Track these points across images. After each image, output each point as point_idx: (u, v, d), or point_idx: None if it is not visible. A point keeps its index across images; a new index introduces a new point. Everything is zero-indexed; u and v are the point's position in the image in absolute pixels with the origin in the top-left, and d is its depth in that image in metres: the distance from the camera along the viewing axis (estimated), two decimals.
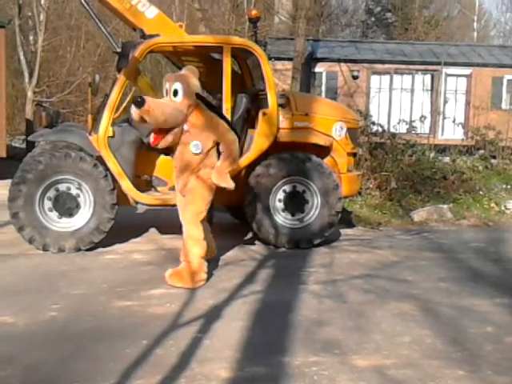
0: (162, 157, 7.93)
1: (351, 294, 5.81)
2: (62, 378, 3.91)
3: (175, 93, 5.89)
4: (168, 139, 5.93)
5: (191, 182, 6.02)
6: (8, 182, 7.60)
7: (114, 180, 7.26)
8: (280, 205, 7.67)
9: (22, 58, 19.32)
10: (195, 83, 6.01)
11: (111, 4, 7.76)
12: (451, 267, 7.01)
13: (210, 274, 6.20)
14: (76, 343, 4.44)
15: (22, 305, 5.23)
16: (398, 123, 14.45)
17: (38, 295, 5.53)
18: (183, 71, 6.24)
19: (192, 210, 6.04)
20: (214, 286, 5.90)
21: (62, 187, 7.15)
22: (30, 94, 19.11)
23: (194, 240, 5.96)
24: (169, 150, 7.21)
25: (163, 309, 5.22)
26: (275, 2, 22.82)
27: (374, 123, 13.22)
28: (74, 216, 7.19)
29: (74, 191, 7.18)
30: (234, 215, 9.13)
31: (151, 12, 7.78)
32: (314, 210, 7.67)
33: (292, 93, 11.67)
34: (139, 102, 5.67)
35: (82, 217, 7.17)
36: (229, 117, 7.53)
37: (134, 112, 5.74)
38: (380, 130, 12.98)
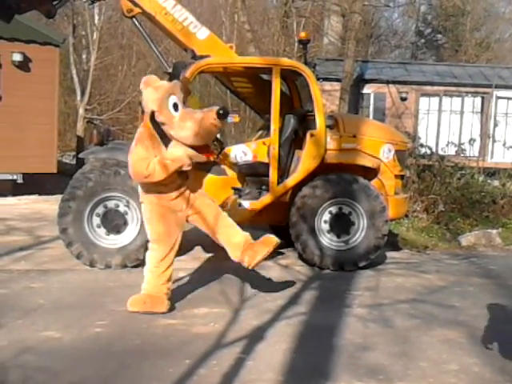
0: (209, 176, 7.98)
1: (397, 319, 5.73)
2: None
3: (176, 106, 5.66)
4: None
5: None
6: (58, 197, 7.75)
7: None
8: (325, 226, 7.63)
9: (74, 76, 19.78)
10: None
11: (163, 25, 7.88)
12: (499, 294, 6.85)
13: (254, 295, 6.20)
14: (120, 361, 4.47)
15: (68, 320, 5.30)
16: (447, 145, 14.27)
17: (84, 311, 5.59)
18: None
19: None
20: (257, 306, 5.89)
21: (111, 204, 7.26)
22: (81, 111, 19.52)
23: None
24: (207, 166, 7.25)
25: (207, 328, 5.23)
26: (325, 23, 22.86)
27: (422, 145, 13.09)
28: (121, 233, 7.28)
29: (122, 208, 7.28)
30: (278, 235, 9.09)
31: (202, 33, 7.87)
32: (360, 233, 7.61)
33: (340, 114, 11.67)
34: (224, 114, 5.55)
35: (129, 234, 7.26)
36: (277, 137, 7.56)
37: (218, 123, 5.58)
38: (428, 152, 12.83)
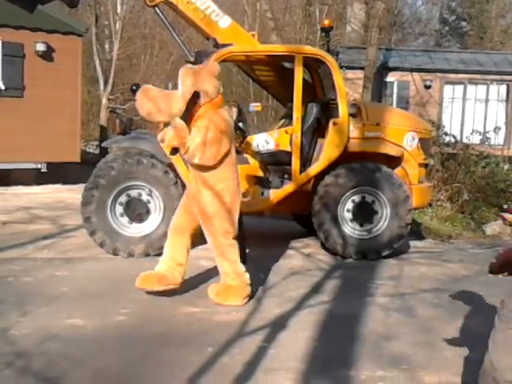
0: None
1: (420, 308, 5.69)
2: (129, 383, 3.96)
3: None
4: None
5: None
6: (81, 186, 7.79)
7: (184, 187, 7.33)
8: (348, 215, 7.59)
9: (97, 65, 19.87)
10: None
11: (186, 14, 7.88)
12: None
13: (276, 284, 6.20)
14: (143, 348, 4.49)
15: (91, 308, 5.33)
16: (471, 134, 14.13)
17: (108, 299, 5.62)
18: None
19: None
20: (280, 295, 5.88)
21: (134, 193, 7.29)
22: (104, 100, 19.61)
23: None
24: None
25: (229, 317, 5.23)
26: (347, 11, 22.68)
27: (446, 134, 12.97)
28: (144, 221, 7.31)
29: (144, 197, 7.30)
30: (301, 224, 9.11)
31: (224, 22, 7.85)
32: (383, 221, 7.57)
33: (363, 102, 11.59)
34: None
35: (152, 222, 7.29)
36: (299, 126, 7.53)
37: None
38: (452, 140, 12.72)
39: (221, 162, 5.41)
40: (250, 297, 5.67)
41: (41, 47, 13.40)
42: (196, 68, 5.63)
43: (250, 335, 4.80)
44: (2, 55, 13.09)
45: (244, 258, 5.80)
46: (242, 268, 5.63)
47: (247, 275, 5.61)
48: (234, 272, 5.58)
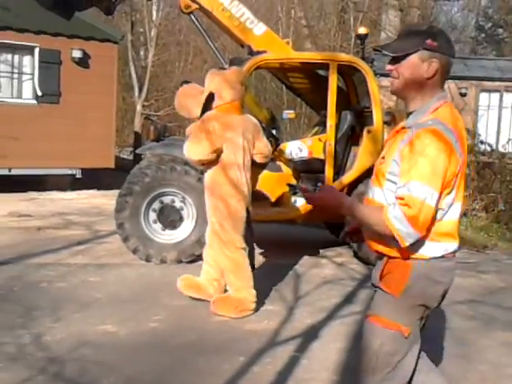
0: (265, 172, 7.97)
1: (454, 320, 5.60)
2: None
3: None
4: None
5: None
6: (115, 192, 7.85)
7: None
8: None
9: (132, 72, 20.04)
10: None
11: (220, 20, 7.90)
12: None
13: (308, 293, 6.16)
14: (175, 356, 4.49)
15: (124, 314, 5.35)
16: (508, 142, 13.91)
17: (140, 305, 5.64)
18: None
19: None
20: (312, 304, 5.84)
21: (167, 200, 7.31)
22: (139, 107, 19.76)
23: None
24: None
25: (261, 326, 5.21)
26: (382, 17, 22.56)
27: (482, 142, 12.79)
28: (177, 228, 7.33)
29: (177, 204, 7.32)
30: (333, 233, 9.04)
31: (259, 29, 7.85)
32: None
33: (398, 110, 11.50)
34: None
35: (185, 229, 7.30)
36: (333, 134, 7.50)
37: None
38: (488, 149, 12.53)
39: (211, 166, 5.44)
40: (255, 310, 5.51)
41: (77, 54, 13.57)
42: (218, 72, 5.73)
43: (281, 344, 4.78)
44: (39, 62, 13.27)
45: (253, 265, 5.67)
46: (247, 283, 5.47)
47: (252, 291, 5.47)
48: (237, 284, 5.47)
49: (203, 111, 5.47)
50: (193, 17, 7.98)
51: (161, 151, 7.66)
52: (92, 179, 13.62)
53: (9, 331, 4.76)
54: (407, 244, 2.46)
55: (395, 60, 2.60)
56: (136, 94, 20.06)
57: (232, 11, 7.85)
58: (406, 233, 2.44)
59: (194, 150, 5.40)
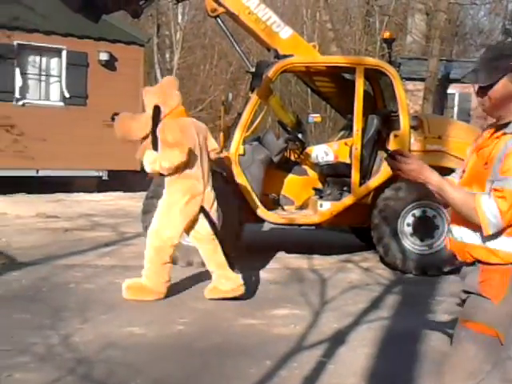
0: (290, 176, 7.99)
1: None
2: None
3: None
4: None
5: None
6: (141, 194, 7.90)
7: (243, 197, 7.35)
8: (408, 229, 7.47)
9: (158, 75, 20.16)
10: None
11: (247, 24, 7.91)
12: None
13: (335, 298, 6.14)
14: (202, 359, 4.49)
15: (150, 316, 5.37)
16: None
17: (166, 308, 5.66)
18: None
19: None
20: (339, 309, 5.81)
21: None
22: None
23: None
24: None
25: (287, 330, 5.20)
26: (408, 21, 22.47)
27: None
28: None
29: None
30: (359, 237, 9.01)
31: (285, 32, 7.85)
32: (445, 237, 7.42)
33: (425, 115, 11.45)
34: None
35: None
36: (360, 138, 7.47)
37: None
38: None
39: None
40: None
41: (104, 56, 13.70)
42: (152, 87, 6.20)
43: (308, 349, 4.76)
44: (66, 64, 13.41)
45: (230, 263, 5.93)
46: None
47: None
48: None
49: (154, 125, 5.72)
50: (219, 20, 7.99)
51: None
52: (118, 181, 13.71)
53: (38, 331, 4.80)
54: (490, 233, 2.51)
55: (488, 86, 2.64)
56: None
57: (258, 15, 7.86)
58: (493, 224, 2.49)
59: (171, 157, 5.58)
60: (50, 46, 13.36)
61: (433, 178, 2.62)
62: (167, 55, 23.50)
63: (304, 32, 22.88)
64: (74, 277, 6.50)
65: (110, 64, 13.88)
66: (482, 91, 2.68)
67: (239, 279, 5.85)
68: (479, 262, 2.63)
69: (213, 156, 6.08)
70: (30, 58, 13.55)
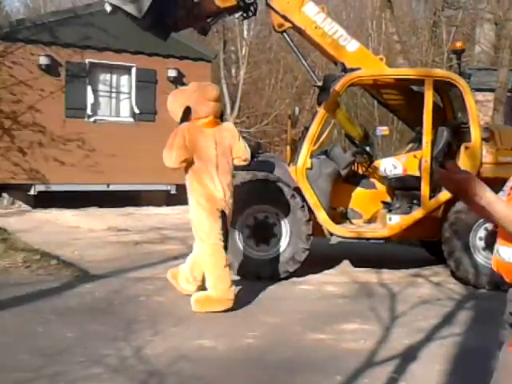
0: (358, 189, 7.93)
1: None
2: None
3: None
4: None
5: None
6: None
7: (310, 211, 7.34)
8: (481, 243, 7.30)
9: (224, 90, 20.38)
10: None
11: (313, 38, 7.91)
12: None
13: (405, 313, 6.05)
14: (272, 373, 4.49)
15: (220, 329, 5.41)
16: None
17: (236, 321, 5.69)
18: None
19: None
20: (409, 324, 5.72)
21: (261, 216, 7.36)
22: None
23: None
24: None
25: (357, 345, 5.14)
26: (476, 31, 22.06)
27: None
28: (270, 244, 7.35)
29: (271, 220, 7.36)
30: (429, 251, 8.86)
31: (352, 45, 7.82)
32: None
33: (496, 126, 11.21)
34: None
35: (279, 246, 7.32)
36: (429, 150, 7.36)
37: None
38: None
39: (186, 171, 6.12)
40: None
41: (172, 73, 13.95)
42: (197, 87, 6.33)
43: (379, 365, 4.70)
44: (136, 81, 13.71)
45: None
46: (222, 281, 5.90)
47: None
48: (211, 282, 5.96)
49: (182, 121, 6.14)
50: (285, 35, 8.03)
51: (254, 168, 7.73)
52: (186, 195, 13.86)
53: (111, 343, 4.90)
54: None
55: None
56: (228, 111, 20.37)
57: (325, 29, 7.85)
58: None
59: (166, 157, 6.10)
60: (120, 63, 13.70)
61: (482, 191, 2.38)
62: (233, 70, 23.74)
63: (369, 45, 22.75)
64: (145, 289, 6.61)
65: (177, 80, 14.12)
66: None
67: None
68: None
69: (236, 162, 6.22)
70: (101, 76, 13.93)
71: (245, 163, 6.33)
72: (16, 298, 6.03)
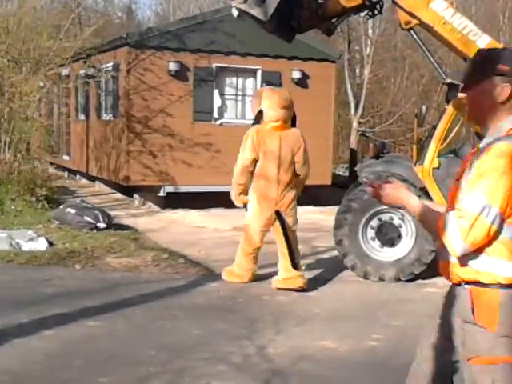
0: None
1: None
2: None
3: None
4: None
5: None
6: (331, 208, 7.93)
7: None
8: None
9: (348, 90, 20.22)
10: None
11: (441, 34, 7.68)
12: None
13: None
14: (396, 378, 4.36)
15: (343, 331, 5.37)
16: None
17: (359, 322, 5.63)
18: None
19: None
20: None
21: (385, 217, 7.24)
22: (354, 124, 19.87)
23: None
24: None
25: None
26: None
27: None
28: (395, 246, 7.22)
29: (396, 221, 7.22)
30: None
31: (483, 40, 7.51)
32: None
33: None
34: None
35: (404, 247, 7.17)
36: None
37: None
38: None
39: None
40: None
41: (296, 75, 13.98)
42: (272, 92, 6.79)
43: None
44: (261, 84, 13.86)
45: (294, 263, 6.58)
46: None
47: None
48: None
49: (256, 122, 6.71)
50: (412, 32, 7.84)
51: (380, 168, 7.61)
52: (308, 195, 13.88)
53: (235, 341, 4.97)
54: (457, 255, 2.36)
55: (467, 87, 2.53)
56: (352, 111, 20.20)
57: (454, 24, 7.59)
58: (456, 244, 2.32)
59: (239, 158, 6.70)
60: (246, 67, 13.90)
61: (409, 202, 2.54)
62: (357, 70, 23.50)
63: (501, 39, 21.81)
64: (268, 289, 6.66)
65: (302, 82, 14.14)
66: (465, 92, 2.58)
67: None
68: (466, 283, 2.42)
69: (296, 168, 6.69)
70: (228, 80, 14.18)
71: (303, 171, 6.76)
72: (145, 295, 6.25)
